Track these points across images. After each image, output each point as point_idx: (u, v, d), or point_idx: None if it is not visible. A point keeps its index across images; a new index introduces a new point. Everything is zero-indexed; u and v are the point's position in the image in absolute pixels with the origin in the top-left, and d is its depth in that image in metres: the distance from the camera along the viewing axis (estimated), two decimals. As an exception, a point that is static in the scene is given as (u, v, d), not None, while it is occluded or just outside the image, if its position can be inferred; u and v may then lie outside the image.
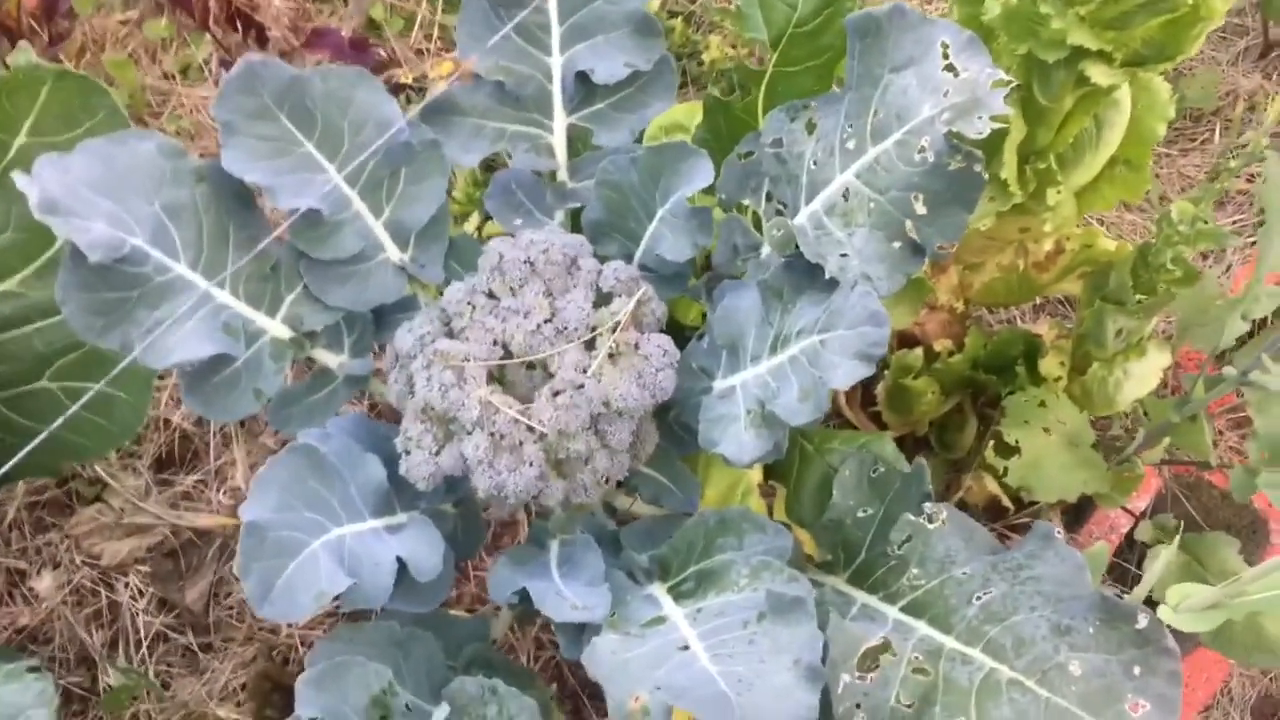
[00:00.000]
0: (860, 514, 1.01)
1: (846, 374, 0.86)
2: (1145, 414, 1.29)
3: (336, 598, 0.87)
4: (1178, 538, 1.28)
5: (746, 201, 1.05)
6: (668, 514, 1.09)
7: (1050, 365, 1.23)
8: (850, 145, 0.95)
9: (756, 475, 1.14)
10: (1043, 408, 1.20)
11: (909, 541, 0.96)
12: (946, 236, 0.92)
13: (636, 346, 0.96)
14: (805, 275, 0.95)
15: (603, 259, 1.08)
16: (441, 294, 1.06)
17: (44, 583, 1.46)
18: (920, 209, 0.91)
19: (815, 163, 0.98)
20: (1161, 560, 1.06)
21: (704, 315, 1.13)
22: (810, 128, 0.99)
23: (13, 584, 1.47)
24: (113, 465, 1.52)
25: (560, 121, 1.12)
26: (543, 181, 1.14)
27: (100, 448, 1.17)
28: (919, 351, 1.29)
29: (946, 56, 0.88)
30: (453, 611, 1.40)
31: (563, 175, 1.14)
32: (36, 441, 0.91)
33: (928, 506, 0.96)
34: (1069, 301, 1.66)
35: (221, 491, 1.51)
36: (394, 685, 0.90)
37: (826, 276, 0.91)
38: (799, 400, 0.88)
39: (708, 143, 1.23)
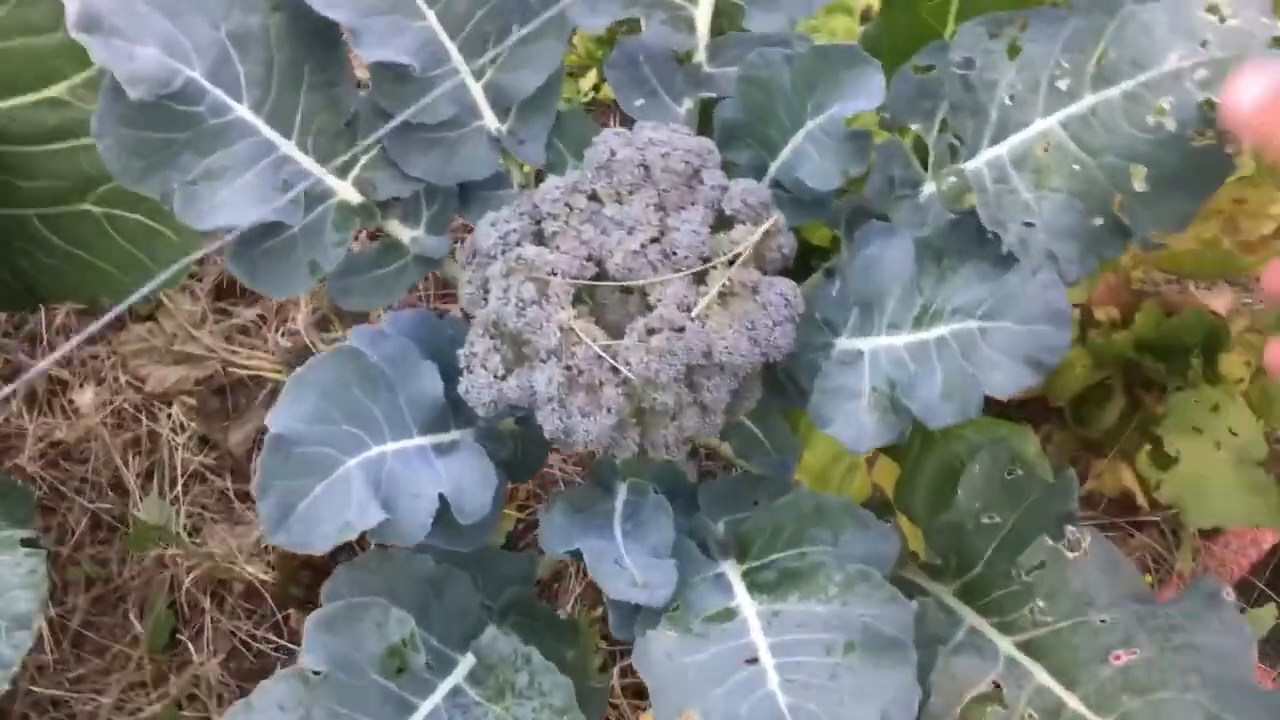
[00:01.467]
0: (985, 520, 0.85)
1: (1007, 379, 0.69)
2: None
3: (366, 533, 0.75)
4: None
5: (914, 126, 0.87)
6: (756, 475, 0.94)
7: (1233, 363, 1.04)
8: (1063, 85, 0.76)
9: (867, 449, 0.98)
10: (1215, 413, 1.02)
11: (1040, 568, 0.81)
12: (1163, 225, 0.73)
13: (755, 290, 0.81)
14: (974, 240, 0.77)
15: (731, 167, 0.92)
16: (540, 178, 0.91)
17: (85, 397, 1.38)
18: (1139, 185, 0.72)
19: (1012, 97, 0.79)
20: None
21: (836, 241, 0.96)
22: (1013, 51, 0.79)
23: (53, 393, 1.39)
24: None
25: (708, -8, 0.93)
26: (676, 59, 0.96)
27: (141, 287, 1.04)
28: (1076, 313, 1.11)
29: (1211, -7, 0.68)
30: (498, 543, 1.29)
31: (700, 56, 0.96)
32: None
33: (1070, 530, 0.81)
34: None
35: (280, 332, 1.40)
36: (415, 637, 0.79)
37: (1003, 249, 0.74)
38: (941, 397, 0.72)
39: (878, 41, 1.03)
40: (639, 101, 0.97)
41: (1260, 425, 1.04)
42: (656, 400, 0.79)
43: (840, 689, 0.70)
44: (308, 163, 0.88)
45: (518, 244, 0.83)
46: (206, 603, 1.29)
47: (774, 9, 0.91)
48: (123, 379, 1.38)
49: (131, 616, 1.30)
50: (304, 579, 1.20)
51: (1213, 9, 0.69)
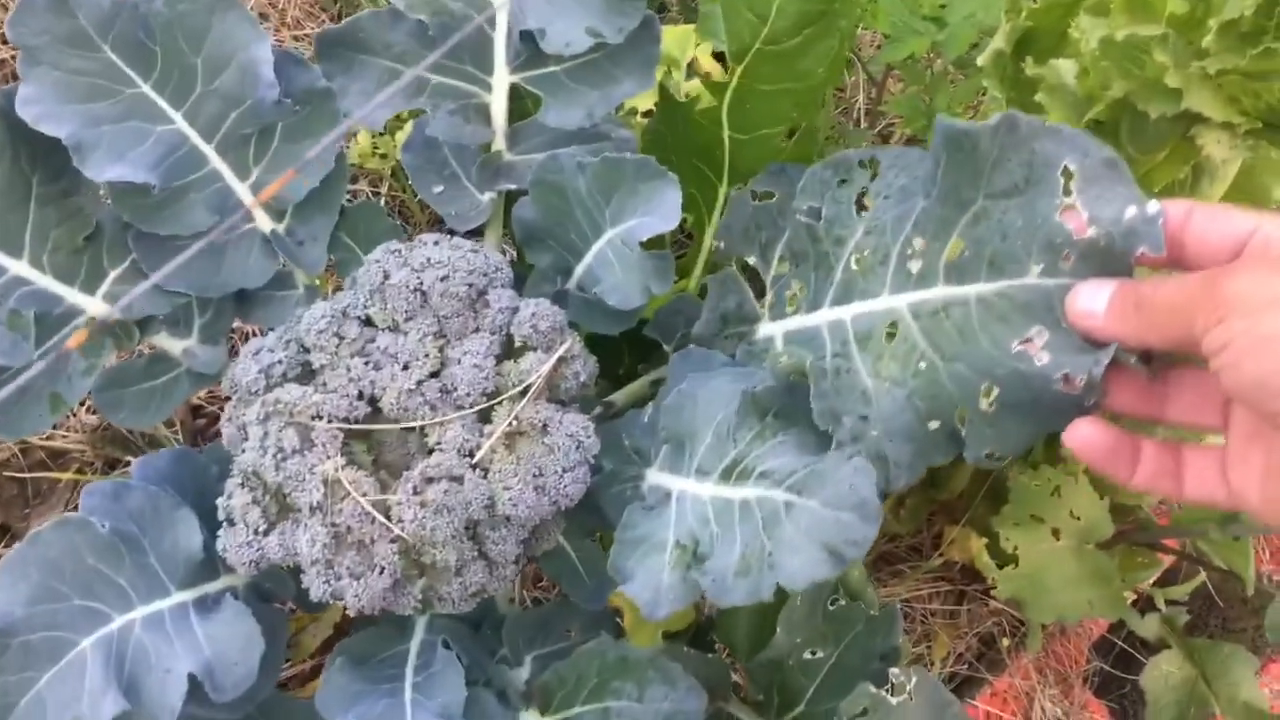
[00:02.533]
0: (807, 655, 0.80)
1: (804, 567, 0.61)
2: (1179, 509, 1.07)
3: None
4: (1179, 643, 1.08)
5: (750, 259, 0.78)
6: (571, 603, 0.87)
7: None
8: (914, 267, 0.66)
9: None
10: (1056, 497, 0.98)
11: (863, 716, 0.75)
12: (1003, 449, 0.64)
13: (545, 429, 0.73)
14: (806, 409, 0.68)
15: (530, 270, 0.84)
16: (317, 288, 0.82)
17: None
18: (986, 405, 0.63)
19: (857, 261, 0.69)
20: (1158, 674, 0.86)
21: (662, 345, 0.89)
22: (860, 207, 0.71)
23: None
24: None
25: (502, 79, 0.85)
26: (474, 151, 0.88)
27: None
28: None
29: (1069, 192, 0.59)
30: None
31: (499, 144, 0.87)
32: None
33: (894, 673, 0.75)
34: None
35: (86, 407, 1.28)
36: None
37: (834, 445, 0.65)
38: (735, 572, 0.64)
39: (663, 137, 0.95)
40: (438, 189, 0.89)
41: (1104, 503, 0.99)
42: (436, 558, 0.72)
43: None
44: (45, 281, 0.78)
45: (282, 379, 0.74)
46: None
47: (572, 104, 0.83)
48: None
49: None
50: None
51: (1070, 208, 0.60)
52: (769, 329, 0.77)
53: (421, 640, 0.82)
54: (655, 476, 0.75)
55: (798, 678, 0.80)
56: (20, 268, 0.76)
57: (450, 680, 0.77)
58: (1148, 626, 1.14)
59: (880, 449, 0.65)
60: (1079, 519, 0.99)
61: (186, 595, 0.75)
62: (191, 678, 0.69)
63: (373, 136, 1.22)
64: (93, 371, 0.80)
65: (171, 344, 0.85)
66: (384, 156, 1.20)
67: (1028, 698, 1.25)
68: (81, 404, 1.29)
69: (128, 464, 1.27)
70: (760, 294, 0.78)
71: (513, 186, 0.86)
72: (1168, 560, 1.20)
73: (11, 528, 1.25)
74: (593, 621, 0.86)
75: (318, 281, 0.88)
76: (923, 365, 0.64)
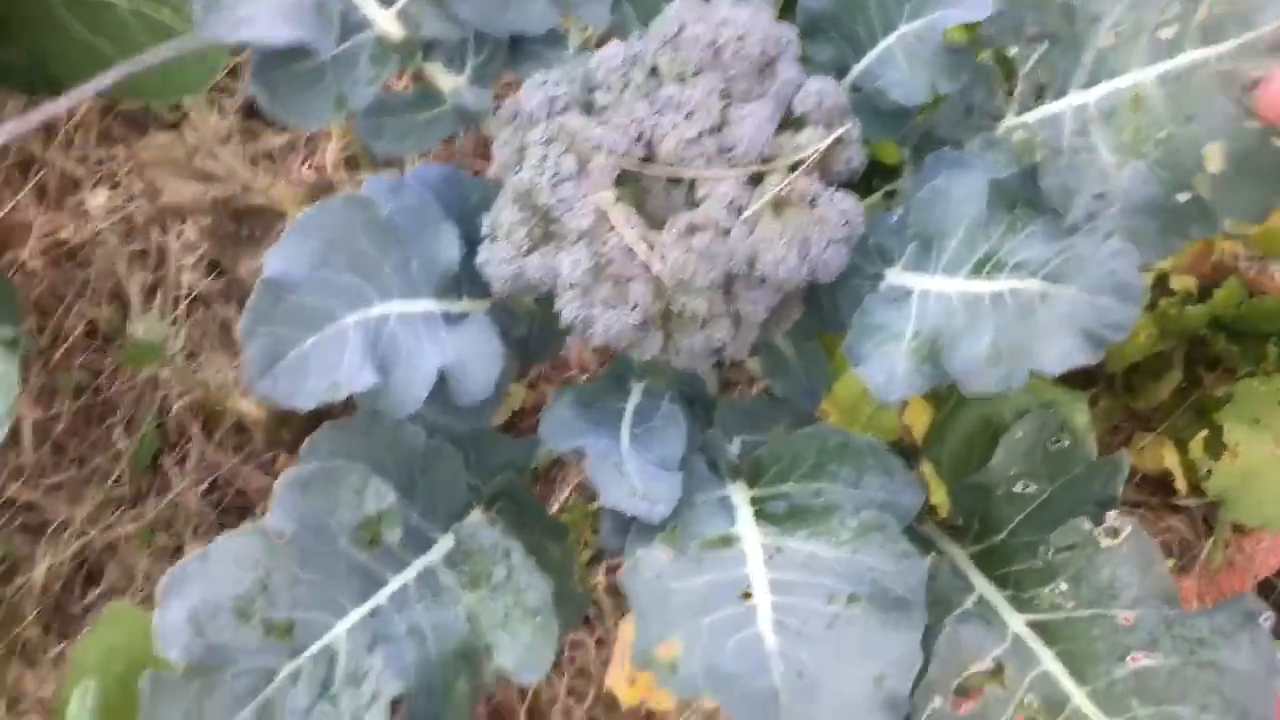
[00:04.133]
0: (1018, 489, 0.79)
1: (1059, 355, 0.62)
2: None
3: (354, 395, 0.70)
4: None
5: (1011, 51, 0.78)
6: (779, 399, 0.88)
7: (1314, 359, 0.97)
8: (1166, 34, 0.67)
9: (902, 388, 0.91)
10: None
11: (1069, 550, 0.75)
12: (1238, 214, 0.64)
13: (813, 202, 0.73)
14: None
15: (808, 63, 0.83)
16: (600, 46, 0.83)
17: (97, 200, 1.32)
18: (1215, 166, 0.63)
19: (1117, 34, 0.70)
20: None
21: (907, 165, 0.88)
22: None
23: (64, 190, 1.33)
24: (198, 95, 1.33)
25: None
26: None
27: (163, 93, 0.98)
28: (1150, 278, 1.03)
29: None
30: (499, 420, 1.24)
31: (793, -70, 0.86)
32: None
33: (1110, 515, 0.74)
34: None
35: (306, 164, 1.33)
36: (394, 511, 0.74)
37: (1066, 223, 0.65)
38: (986, 360, 0.65)
39: None
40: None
41: (1330, 426, 0.97)
42: (687, 305, 0.73)
43: (836, 639, 0.66)
44: (348, -16, 0.80)
45: (564, 110, 0.76)
46: (194, 430, 1.25)
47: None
48: (138, 187, 1.32)
49: (116, 432, 1.26)
50: (295, 423, 1.16)
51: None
52: (1012, 121, 0.76)
53: (638, 402, 0.84)
54: (896, 276, 0.76)
55: (1004, 508, 0.80)
56: (328, -35, 0.78)
57: (670, 435, 0.79)
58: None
59: (1122, 225, 0.64)
60: (1302, 433, 0.96)
61: (436, 305, 0.77)
62: (440, 373, 0.72)
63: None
64: (375, 81, 0.82)
65: (444, 79, 0.87)
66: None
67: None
68: (302, 162, 1.34)
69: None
70: (1011, 86, 0.77)
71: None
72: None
73: (221, 263, 1.31)
74: (801, 420, 0.87)
75: (592, 47, 0.89)
76: (1162, 135, 0.65)
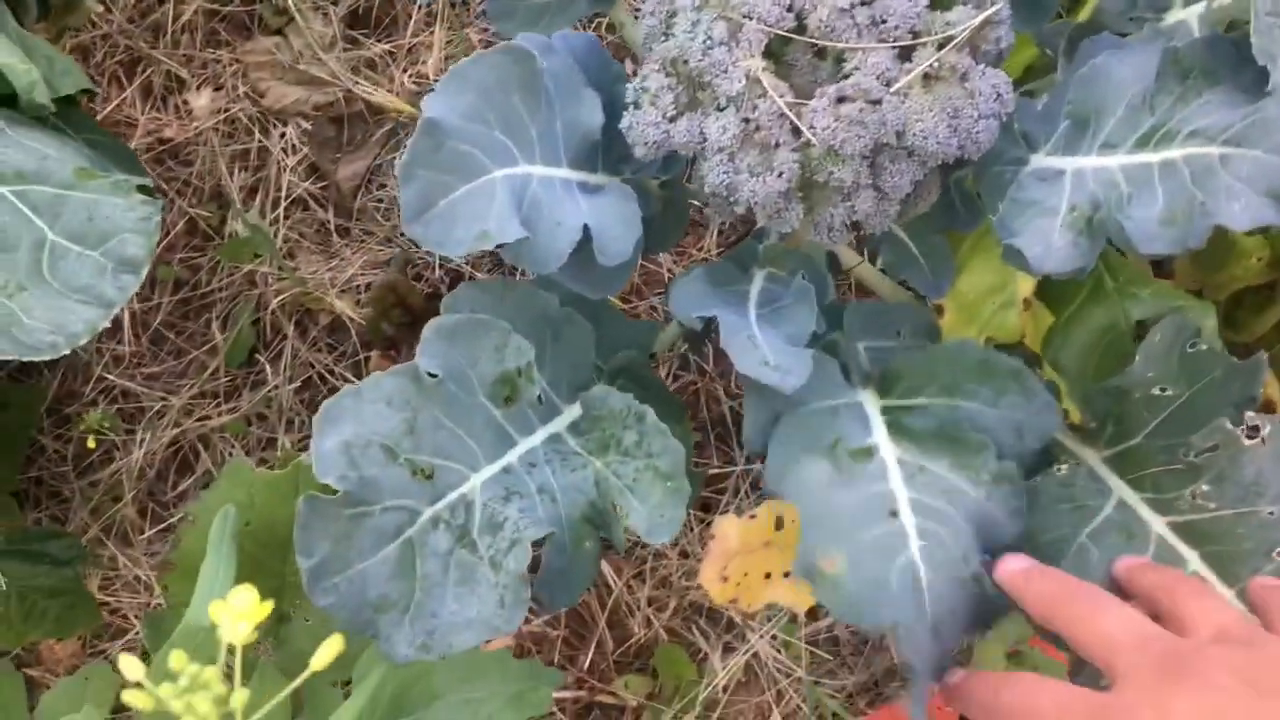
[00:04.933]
0: (1156, 391, 0.79)
1: (1246, 211, 0.62)
2: None
3: (499, 247, 0.70)
4: None
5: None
6: (899, 305, 0.88)
7: None
8: None
9: (1027, 286, 0.91)
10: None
11: (1211, 451, 0.74)
12: None
13: (964, 77, 0.73)
14: (1230, 63, 0.69)
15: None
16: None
17: (201, 100, 1.33)
18: None
19: None
20: None
21: (1044, 69, 0.88)
22: None
23: (169, 90, 1.34)
24: (304, 1, 1.35)
25: None
26: None
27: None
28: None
29: None
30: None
31: None
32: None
33: (1249, 415, 0.74)
34: None
35: (407, 74, 1.34)
36: (532, 368, 0.75)
37: (1270, 84, 0.65)
38: (1160, 222, 0.65)
39: None
40: None
41: None
42: (833, 175, 0.73)
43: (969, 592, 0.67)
44: None
45: (713, -21, 0.76)
46: (290, 328, 1.27)
47: None
48: (241, 89, 1.33)
49: (214, 326, 1.27)
50: (396, 317, 1.16)
51: None
52: (1181, 14, 0.76)
53: (761, 287, 0.84)
54: (1043, 160, 0.76)
55: (1141, 411, 0.79)
56: None
57: (799, 314, 0.79)
58: None
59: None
60: None
61: (574, 175, 0.78)
62: (585, 229, 0.73)
63: None
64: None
65: (582, -41, 0.87)
66: None
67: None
68: (404, 71, 1.34)
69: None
70: None
71: None
72: None
73: (321, 167, 1.32)
74: (922, 328, 0.86)
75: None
76: None
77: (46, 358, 0.71)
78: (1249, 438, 0.73)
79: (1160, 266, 1.15)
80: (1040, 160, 0.76)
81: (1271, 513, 0.70)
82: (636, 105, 0.76)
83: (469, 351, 0.73)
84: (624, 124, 0.76)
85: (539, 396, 0.76)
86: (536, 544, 0.72)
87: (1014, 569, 0.66)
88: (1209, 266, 1.05)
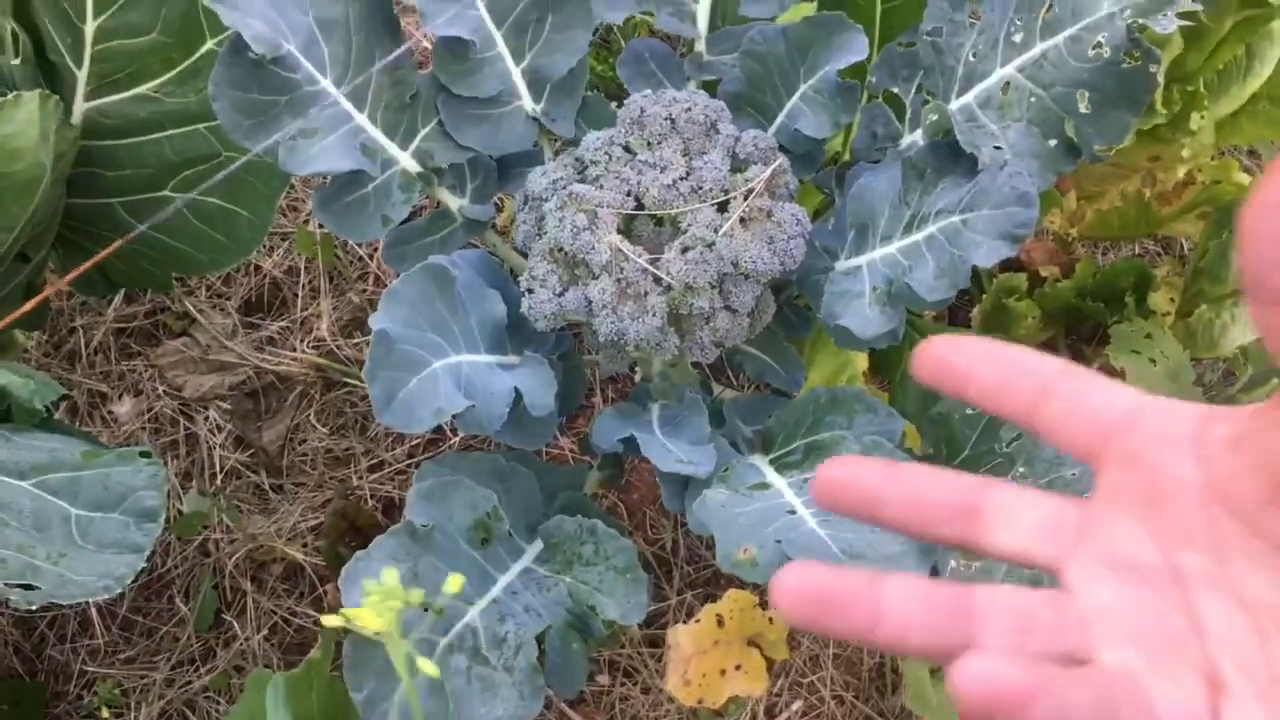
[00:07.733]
0: (969, 411, 1.01)
1: (989, 252, 0.85)
2: (1245, 359, 1.28)
3: (454, 417, 0.88)
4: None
5: (895, 89, 1.05)
6: (770, 393, 1.09)
7: (1160, 300, 1.22)
8: (1017, 39, 0.94)
9: (862, 363, 1.14)
10: (1148, 340, 1.19)
11: (1018, 440, 0.96)
12: (1107, 139, 0.91)
13: (769, 214, 0.96)
14: (951, 158, 0.94)
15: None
16: (563, 150, 1.07)
17: (124, 407, 1.48)
18: (1084, 107, 0.90)
19: (975, 54, 0.97)
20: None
21: (827, 204, 1.13)
22: (974, 17, 0.98)
23: (93, 405, 1.49)
24: (201, 302, 1.53)
25: (706, -6, 1.11)
26: (678, 52, 1.14)
27: (216, 263, 1.17)
28: (1024, 275, 1.29)
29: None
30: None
31: (700, 46, 1.13)
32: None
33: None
34: (1171, 248, 1.64)
35: (305, 341, 1.52)
36: (499, 510, 0.92)
37: (979, 166, 0.90)
38: (935, 277, 0.88)
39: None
40: (647, 91, 1.14)
41: (1186, 354, 1.21)
42: (694, 305, 0.94)
43: (868, 529, 0.84)
44: (376, 133, 1.02)
45: (566, 186, 0.98)
46: (248, 584, 1.39)
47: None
48: (160, 389, 1.49)
49: (177, 601, 1.38)
50: (349, 541, 1.30)
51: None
52: (909, 138, 1.01)
53: (659, 414, 1.04)
54: (844, 262, 0.99)
55: (962, 429, 1.01)
56: (362, 119, 1.01)
57: (694, 423, 0.99)
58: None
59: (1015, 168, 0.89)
60: (1168, 358, 1.20)
61: (493, 358, 0.97)
62: (515, 391, 0.91)
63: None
64: (407, 203, 1.04)
65: (451, 201, 1.09)
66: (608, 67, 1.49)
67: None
68: (302, 339, 1.53)
69: (344, 385, 1.50)
70: (901, 116, 1.03)
71: (711, 78, 1.12)
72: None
73: (246, 438, 1.48)
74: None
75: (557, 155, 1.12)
76: (1033, 99, 0.93)
77: (102, 597, 0.85)
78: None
79: (956, 327, 1.40)
80: (842, 263, 0.99)
81: (1074, 474, 0.91)
82: (530, 290, 0.97)
83: (445, 505, 0.90)
84: (524, 307, 0.96)
85: (508, 531, 0.92)
86: (540, 637, 0.87)
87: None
88: (997, 329, 1.30)
